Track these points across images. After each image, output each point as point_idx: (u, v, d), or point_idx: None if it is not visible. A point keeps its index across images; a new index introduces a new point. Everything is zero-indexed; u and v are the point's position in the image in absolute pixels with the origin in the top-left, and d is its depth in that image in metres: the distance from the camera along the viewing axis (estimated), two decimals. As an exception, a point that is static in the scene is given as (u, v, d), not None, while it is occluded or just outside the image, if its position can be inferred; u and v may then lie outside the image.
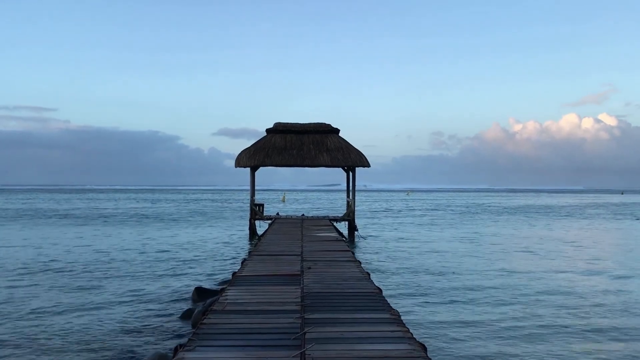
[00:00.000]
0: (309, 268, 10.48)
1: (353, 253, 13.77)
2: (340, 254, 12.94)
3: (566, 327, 9.99)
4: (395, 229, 33.64)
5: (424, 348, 5.47)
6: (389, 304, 7.46)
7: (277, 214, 29.71)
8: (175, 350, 5.60)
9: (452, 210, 59.30)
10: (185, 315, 10.40)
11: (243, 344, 5.44)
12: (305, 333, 5.78)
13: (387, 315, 6.67)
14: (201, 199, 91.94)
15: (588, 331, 9.71)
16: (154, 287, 13.80)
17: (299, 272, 9.96)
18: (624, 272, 16.80)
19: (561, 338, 9.22)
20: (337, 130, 27.03)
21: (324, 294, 8.04)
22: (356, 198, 26.81)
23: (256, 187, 27.05)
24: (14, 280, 14.59)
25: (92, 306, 11.48)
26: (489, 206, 70.17)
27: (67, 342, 8.80)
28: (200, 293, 12.05)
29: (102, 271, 16.19)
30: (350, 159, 25.71)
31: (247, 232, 27.96)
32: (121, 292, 13.02)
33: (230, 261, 18.73)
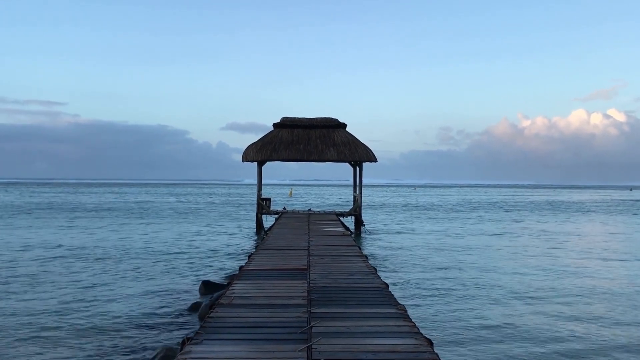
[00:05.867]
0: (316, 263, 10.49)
1: (360, 248, 13.78)
2: (347, 248, 12.95)
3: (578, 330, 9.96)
4: (401, 223, 33.59)
5: (431, 343, 5.47)
6: (395, 298, 7.46)
7: (284, 208, 29.76)
8: (183, 343, 5.63)
9: (462, 206, 59.13)
10: (193, 309, 10.46)
11: (250, 338, 5.46)
12: (311, 327, 5.79)
13: (393, 310, 6.67)
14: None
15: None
16: (162, 280, 13.87)
17: (306, 267, 9.98)
18: None
19: (572, 339, 9.20)
20: (344, 125, 26.99)
21: (330, 288, 8.04)
22: (366, 193, 26.78)
23: (263, 182, 27.08)
24: (21, 273, 14.70)
25: (100, 299, 11.56)
26: (503, 202, 69.89)
27: (75, 334, 8.87)
28: (208, 287, 12.11)
29: (113, 264, 16.29)
30: (357, 154, 25.67)
31: (254, 226, 28.03)
32: (130, 285, 13.10)
33: (237, 255, 18.79)
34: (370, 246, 21.27)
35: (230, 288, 8.06)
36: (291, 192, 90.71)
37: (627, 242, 24.96)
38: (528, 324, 9.81)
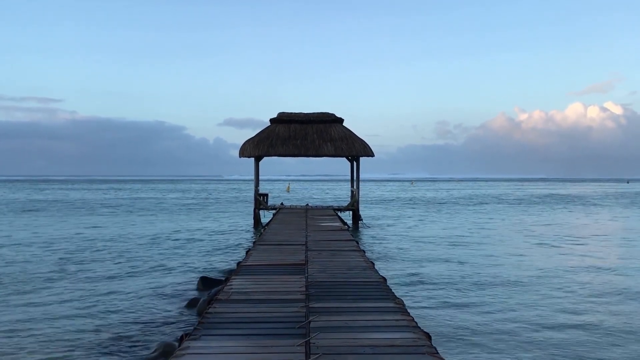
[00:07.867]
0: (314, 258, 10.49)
1: (357, 242, 13.78)
2: (345, 243, 12.96)
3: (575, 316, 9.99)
4: (400, 217, 33.64)
5: (429, 337, 5.48)
6: (393, 292, 7.47)
7: (282, 203, 29.75)
8: (181, 339, 5.63)
9: (464, 199, 59.20)
10: (191, 305, 10.45)
11: (248, 333, 5.46)
12: (310, 322, 5.80)
13: (391, 304, 6.68)
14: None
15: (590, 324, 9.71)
16: (159, 276, 13.86)
17: (304, 262, 9.99)
18: None
19: (570, 330, 9.23)
20: (341, 120, 26.96)
21: (328, 283, 8.06)
22: (363, 187, 26.80)
23: (260, 177, 27.05)
24: (21, 273, 14.68)
25: (98, 295, 11.54)
26: (506, 195, 69.98)
27: (73, 330, 8.86)
28: (205, 282, 12.11)
29: (109, 260, 16.27)
30: (354, 149, 25.65)
31: (252, 221, 28.01)
32: (127, 282, 13.09)
33: (235, 251, 18.79)
34: (368, 240, 21.29)
35: (228, 283, 8.06)
36: (289, 187, 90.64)
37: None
38: (529, 318, 9.82)
